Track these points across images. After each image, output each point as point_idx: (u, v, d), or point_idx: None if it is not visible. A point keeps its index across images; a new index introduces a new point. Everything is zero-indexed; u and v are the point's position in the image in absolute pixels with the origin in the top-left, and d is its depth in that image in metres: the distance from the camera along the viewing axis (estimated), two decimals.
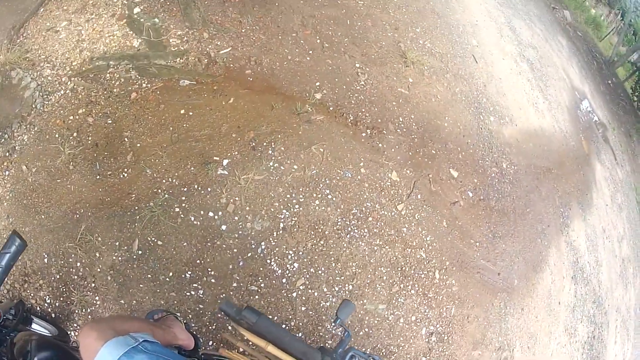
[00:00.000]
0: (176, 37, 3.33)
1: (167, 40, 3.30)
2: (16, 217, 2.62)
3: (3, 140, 2.89)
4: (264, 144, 2.73)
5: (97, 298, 2.46)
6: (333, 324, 2.46)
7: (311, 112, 2.99)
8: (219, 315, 2.36)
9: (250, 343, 1.19)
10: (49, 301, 2.48)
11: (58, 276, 2.50)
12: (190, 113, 2.84)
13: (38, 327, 2.06)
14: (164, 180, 2.60)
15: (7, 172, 2.75)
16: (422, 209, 2.99)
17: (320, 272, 2.53)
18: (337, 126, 3.03)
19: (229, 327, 2.27)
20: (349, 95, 3.26)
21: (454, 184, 3.28)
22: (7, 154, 2.82)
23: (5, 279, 2.60)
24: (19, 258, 1.33)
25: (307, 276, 2.51)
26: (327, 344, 2.43)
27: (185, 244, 2.45)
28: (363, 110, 3.21)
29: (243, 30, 3.41)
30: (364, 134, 3.10)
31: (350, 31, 3.76)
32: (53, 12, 3.48)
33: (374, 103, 3.29)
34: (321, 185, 2.72)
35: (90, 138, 2.79)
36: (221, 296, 2.38)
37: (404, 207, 2.93)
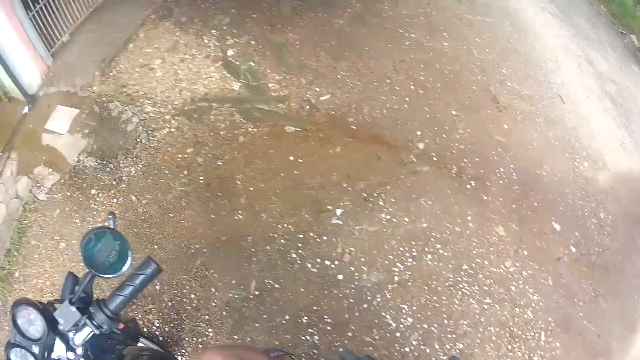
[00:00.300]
0: (275, 82, 3.47)
1: (266, 85, 3.44)
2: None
3: (109, 169, 3.15)
4: (375, 194, 2.82)
5: (209, 330, 2.59)
6: None
7: (416, 162, 3.06)
8: None
9: None
10: (157, 325, 2.64)
11: (170, 304, 2.65)
12: (300, 160, 2.99)
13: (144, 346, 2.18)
14: (279, 226, 2.74)
15: (115, 200, 2.99)
16: (528, 266, 2.94)
17: (432, 328, 2.55)
18: (442, 177, 3.08)
19: None
20: (450, 145, 3.30)
21: (557, 239, 3.21)
22: (114, 183, 3.07)
23: None
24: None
25: (420, 332, 2.53)
26: None
27: (302, 289, 2.55)
28: (465, 160, 3.24)
29: (338, 76, 3.54)
30: (468, 186, 3.12)
31: (441, 76, 3.81)
32: (144, 48, 3.73)
33: (474, 152, 3.31)
34: (432, 239, 2.76)
35: (201, 178, 2.98)
36: (336, 344, 2.46)
37: (511, 263, 2.90)
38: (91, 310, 1.06)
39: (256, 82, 3.47)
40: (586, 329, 3.09)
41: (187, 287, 2.66)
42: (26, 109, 3.97)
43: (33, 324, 1.01)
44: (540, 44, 5.19)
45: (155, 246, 2.83)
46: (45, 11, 3.92)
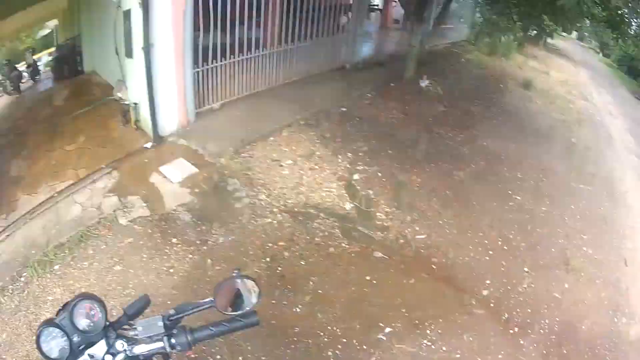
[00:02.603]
0: (383, 213, 3.74)
1: (374, 213, 3.71)
2: (180, 293, 2.86)
3: (199, 229, 3.32)
4: (425, 323, 2.88)
5: None
6: None
7: (474, 305, 3.11)
8: None
9: None
10: None
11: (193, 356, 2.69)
12: (374, 281, 3.14)
13: None
14: (329, 327, 2.84)
15: (190, 256, 3.14)
16: None
17: None
18: (491, 321, 3.07)
19: None
20: (510, 296, 3.31)
21: None
22: (198, 243, 3.23)
23: None
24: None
25: None
26: None
27: None
28: (518, 310, 3.21)
29: (440, 222, 3.78)
30: (511, 331, 3.06)
31: (528, 237, 3.93)
32: (281, 146, 4.09)
33: (529, 305, 3.28)
34: None
35: (280, 268, 3.18)
36: None
37: None
38: (174, 332, 1.07)
39: (367, 208, 3.77)
40: None
41: (218, 347, 2.60)
42: (149, 144, 4.48)
43: (90, 318, 1.01)
44: (626, 212, 5.11)
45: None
46: (208, 73, 4.59)
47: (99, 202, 3.74)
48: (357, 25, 6.48)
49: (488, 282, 3.34)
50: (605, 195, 5.15)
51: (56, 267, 3.34)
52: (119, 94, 5.21)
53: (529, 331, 3.16)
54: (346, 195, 3.82)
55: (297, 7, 5.52)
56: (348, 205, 3.75)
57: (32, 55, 16.33)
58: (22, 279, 3.38)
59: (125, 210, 3.59)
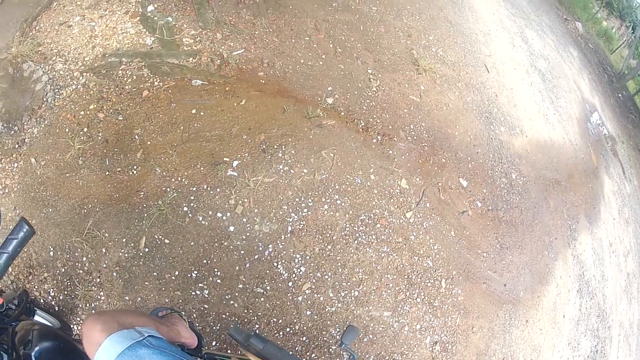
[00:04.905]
0: (189, 37, 3.33)
1: (180, 40, 3.31)
2: (23, 209, 2.63)
3: (13, 132, 2.89)
4: (275, 146, 2.73)
5: (101, 293, 2.46)
6: (339, 348, 2.42)
7: (322, 116, 2.99)
8: (223, 316, 2.36)
9: None
10: (52, 294, 2.48)
11: (63, 270, 2.49)
12: (202, 113, 2.84)
13: (41, 319, 2.03)
14: (173, 179, 2.60)
15: (15, 164, 2.76)
16: (430, 218, 2.98)
17: (326, 277, 2.52)
18: (348, 132, 3.03)
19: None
20: (360, 101, 3.26)
21: (463, 194, 3.27)
22: (17, 146, 2.83)
23: (10, 269, 2.62)
24: (26, 246, 1.32)
25: (314, 280, 2.50)
26: (331, 349, 2.42)
27: (192, 243, 2.44)
28: (374, 116, 3.21)
29: (256, 32, 3.42)
30: (374, 140, 3.10)
31: (363, 37, 3.76)
32: (66, 6, 3.46)
33: (385, 110, 3.29)
34: (330, 190, 2.72)
35: (100, 134, 2.80)
36: (226, 297, 2.38)
37: (412, 215, 2.92)
38: None
39: (171, 37, 3.32)
40: (491, 278, 3.18)
41: (79, 249, 2.50)
42: None
43: None
44: (474, 17, 5.27)
45: (50, 209, 2.63)
46: None
47: None
48: None
49: (330, 88, 3.21)
50: None
51: None
52: None
53: (395, 139, 3.23)
54: (144, 30, 3.26)
55: None
56: (149, 40, 3.21)
57: None
58: None
59: None
